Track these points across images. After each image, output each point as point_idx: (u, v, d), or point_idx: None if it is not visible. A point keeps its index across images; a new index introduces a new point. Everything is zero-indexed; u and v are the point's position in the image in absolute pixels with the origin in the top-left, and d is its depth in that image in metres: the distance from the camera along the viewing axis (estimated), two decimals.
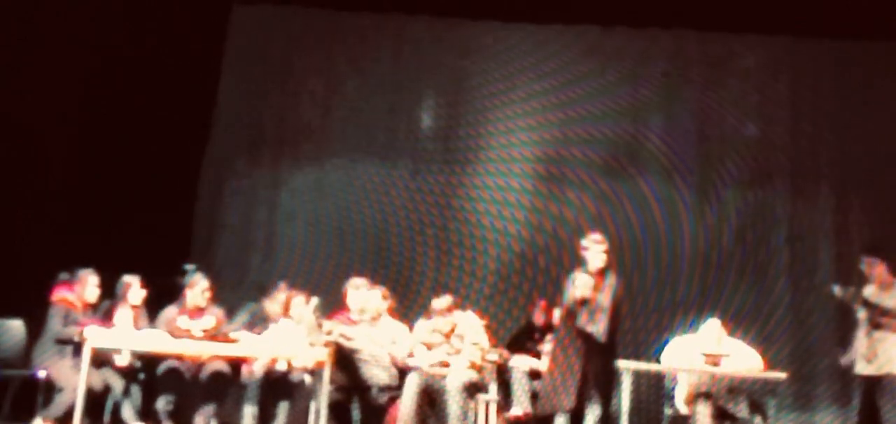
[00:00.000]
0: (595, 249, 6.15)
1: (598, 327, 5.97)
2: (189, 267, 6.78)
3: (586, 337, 6.00)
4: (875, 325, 6.10)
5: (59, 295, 6.32)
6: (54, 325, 6.20)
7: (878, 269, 6.25)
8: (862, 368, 6.18)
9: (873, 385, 6.11)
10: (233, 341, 6.24)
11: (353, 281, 6.87)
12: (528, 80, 8.50)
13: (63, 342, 6.15)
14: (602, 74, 8.47)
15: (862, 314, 6.17)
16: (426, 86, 8.65)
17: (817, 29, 8.12)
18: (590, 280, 6.08)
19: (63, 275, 6.42)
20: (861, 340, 6.18)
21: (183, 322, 6.52)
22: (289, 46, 8.74)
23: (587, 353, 6.02)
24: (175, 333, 6.31)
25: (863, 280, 6.35)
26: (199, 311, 6.64)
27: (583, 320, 6.02)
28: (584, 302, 6.04)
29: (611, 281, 6.09)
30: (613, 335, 6.09)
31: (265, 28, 8.73)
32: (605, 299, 6.01)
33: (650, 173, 8.30)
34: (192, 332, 6.45)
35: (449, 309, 6.59)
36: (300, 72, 8.69)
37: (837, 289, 6.36)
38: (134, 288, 6.54)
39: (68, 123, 7.78)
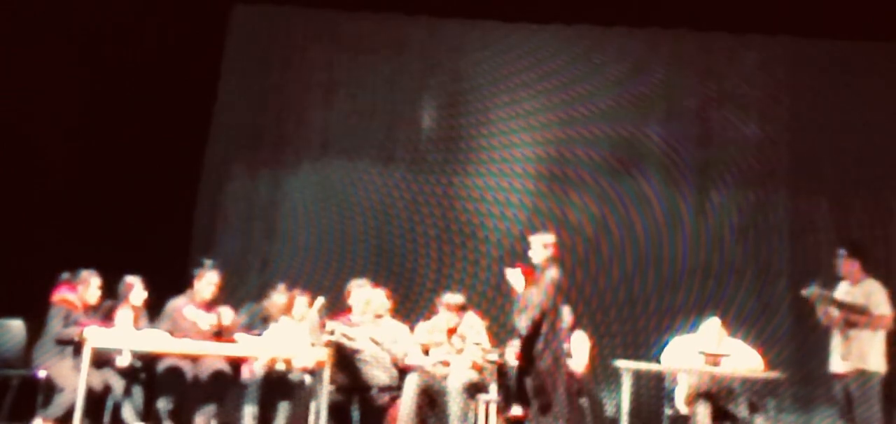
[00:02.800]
0: (535, 246, 6.18)
1: (520, 320, 6.00)
2: (207, 261, 6.76)
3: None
4: (849, 323, 6.11)
5: (60, 295, 6.31)
6: (55, 326, 6.20)
7: (853, 267, 6.26)
8: (837, 366, 6.19)
9: (850, 382, 6.13)
10: (232, 341, 6.26)
11: (356, 281, 6.88)
12: (528, 80, 8.50)
13: (63, 342, 6.15)
14: (602, 74, 8.47)
15: (835, 313, 6.18)
16: (426, 87, 8.65)
17: (817, 29, 8.12)
18: (518, 274, 6.12)
19: (65, 276, 6.42)
20: (836, 338, 6.20)
21: (189, 312, 6.53)
22: (289, 46, 8.74)
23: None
24: (180, 323, 6.32)
25: (836, 278, 6.36)
26: (204, 304, 6.64)
27: (515, 313, 6.09)
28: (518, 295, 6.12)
29: (548, 277, 6.07)
30: (546, 333, 6.01)
31: (265, 28, 8.74)
32: (535, 295, 6.01)
33: (651, 173, 8.30)
34: (199, 324, 6.45)
35: (459, 308, 6.58)
36: (300, 72, 8.70)
37: (807, 290, 6.36)
38: (136, 289, 6.54)
39: (68, 123, 7.77)
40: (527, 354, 5.98)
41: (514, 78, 8.50)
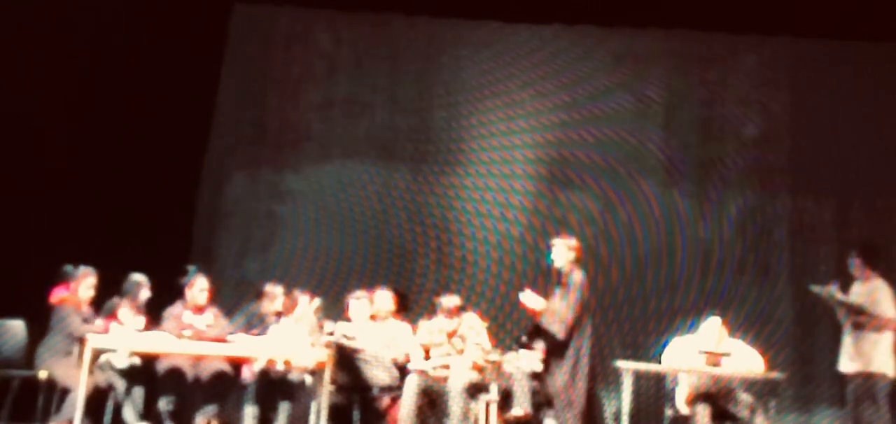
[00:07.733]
0: (559, 249, 6.20)
1: (554, 326, 6.10)
2: (190, 268, 6.81)
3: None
4: (856, 325, 6.12)
5: (60, 295, 6.31)
6: (70, 324, 6.15)
7: (864, 269, 6.27)
8: (845, 366, 6.20)
9: (857, 383, 6.13)
10: (230, 341, 6.27)
11: (354, 294, 6.89)
12: (528, 81, 8.50)
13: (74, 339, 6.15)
14: (602, 74, 8.47)
15: (843, 314, 6.19)
16: (426, 86, 8.64)
17: (817, 29, 8.12)
18: (532, 296, 6.22)
19: (60, 276, 6.42)
20: (847, 338, 6.22)
21: (187, 317, 6.59)
22: (289, 46, 8.74)
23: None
24: (180, 327, 6.33)
25: (851, 279, 6.37)
26: (199, 309, 6.68)
27: (547, 320, 6.18)
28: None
29: (574, 280, 6.12)
30: (576, 340, 6.14)
31: (265, 28, 8.73)
32: (562, 302, 6.10)
33: (651, 173, 8.30)
34: (196, 326, 6.49)
35: (457, 310, 6.58)
36: (300, 72, 8.69)
37: (815, 288, 6.37)
38: (142, 289, 6.57)
39: (69, 123, 7.78)
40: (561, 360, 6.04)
41: (515, 78, 8.50)
